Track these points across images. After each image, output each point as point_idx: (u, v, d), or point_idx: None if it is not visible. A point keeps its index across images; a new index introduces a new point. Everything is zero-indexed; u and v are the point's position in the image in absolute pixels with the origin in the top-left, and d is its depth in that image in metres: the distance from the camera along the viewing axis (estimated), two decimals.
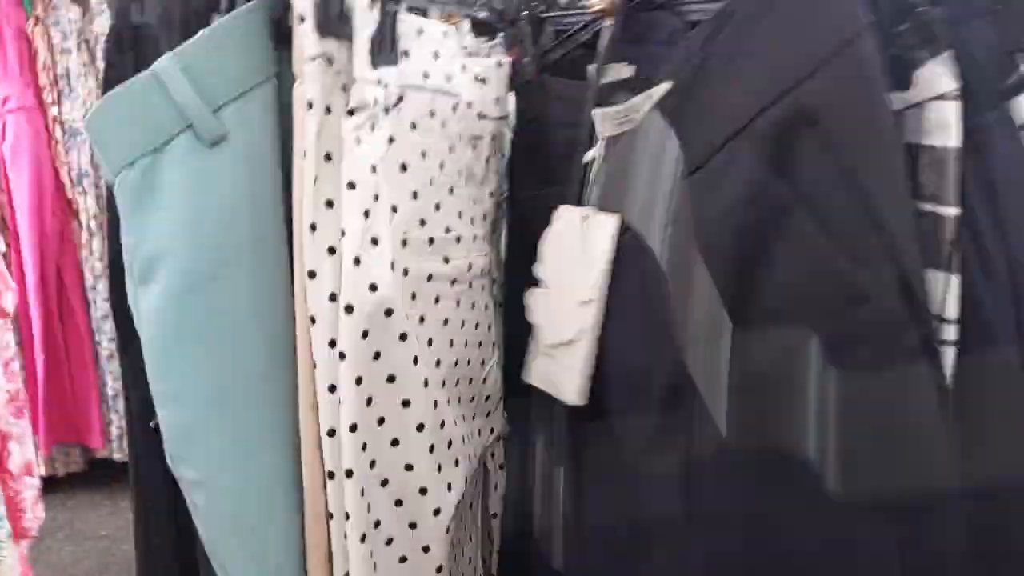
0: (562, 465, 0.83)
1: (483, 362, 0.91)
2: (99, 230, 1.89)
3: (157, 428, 0.74)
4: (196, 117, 0.68)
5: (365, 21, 0.69)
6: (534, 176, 0.95)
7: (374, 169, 0.70)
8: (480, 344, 0.90)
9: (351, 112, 0.68)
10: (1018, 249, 0.62)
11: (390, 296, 0.71)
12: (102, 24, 1.82)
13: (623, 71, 0.83)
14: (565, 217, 0.81)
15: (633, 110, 0.77)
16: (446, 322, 0.82)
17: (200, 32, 0.69)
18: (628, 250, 0.74)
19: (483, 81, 0.89)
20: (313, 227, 0.69)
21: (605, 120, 0.79)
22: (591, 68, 0.85)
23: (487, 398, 0.94)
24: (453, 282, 0.83)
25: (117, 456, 1.98)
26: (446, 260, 0.81)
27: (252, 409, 0.73)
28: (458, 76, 0.84)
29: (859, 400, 0.62)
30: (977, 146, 0.63)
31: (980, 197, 0.63)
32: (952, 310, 0.63)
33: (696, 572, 0.70)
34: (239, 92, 0.70)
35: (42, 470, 1.84)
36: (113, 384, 1.95)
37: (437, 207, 0.80)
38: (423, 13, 0.89)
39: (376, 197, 0.71)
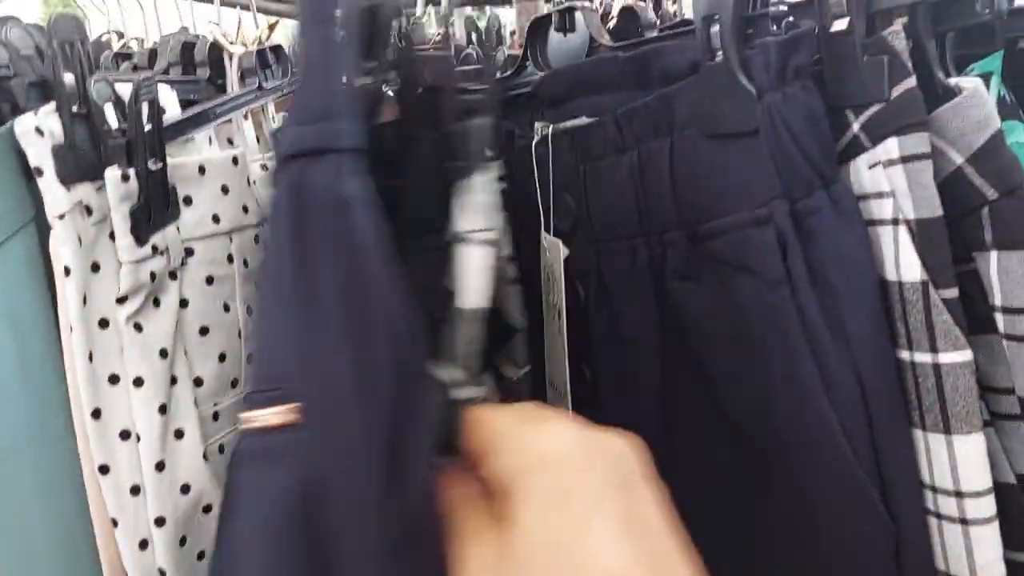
0: None
1: None
2: None
3: None
4: None
5: (120, 194, 0.56)
6: None
7: (164, 354, 0.58)
8: None
9: (121, 300, 0.56)
10: (858, 353, 0.51)
11: (207, 490, 0.58)
12: None
13: None
14: None
15: None
16: None
17: None
18: None
19: None
20: (96, 413, 0.56)
21: None
22: None
23: None
24: None
25: None
26: None
27: None
28: (259, 190, 0.71)
29: None
30: (810, 235, 0.52)
31: (821, 305, 0.52)
32: None
33: None
34: None
35: None
36: None
37: (250, 359, 0.67)
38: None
39: (174, 381, 0.58)
